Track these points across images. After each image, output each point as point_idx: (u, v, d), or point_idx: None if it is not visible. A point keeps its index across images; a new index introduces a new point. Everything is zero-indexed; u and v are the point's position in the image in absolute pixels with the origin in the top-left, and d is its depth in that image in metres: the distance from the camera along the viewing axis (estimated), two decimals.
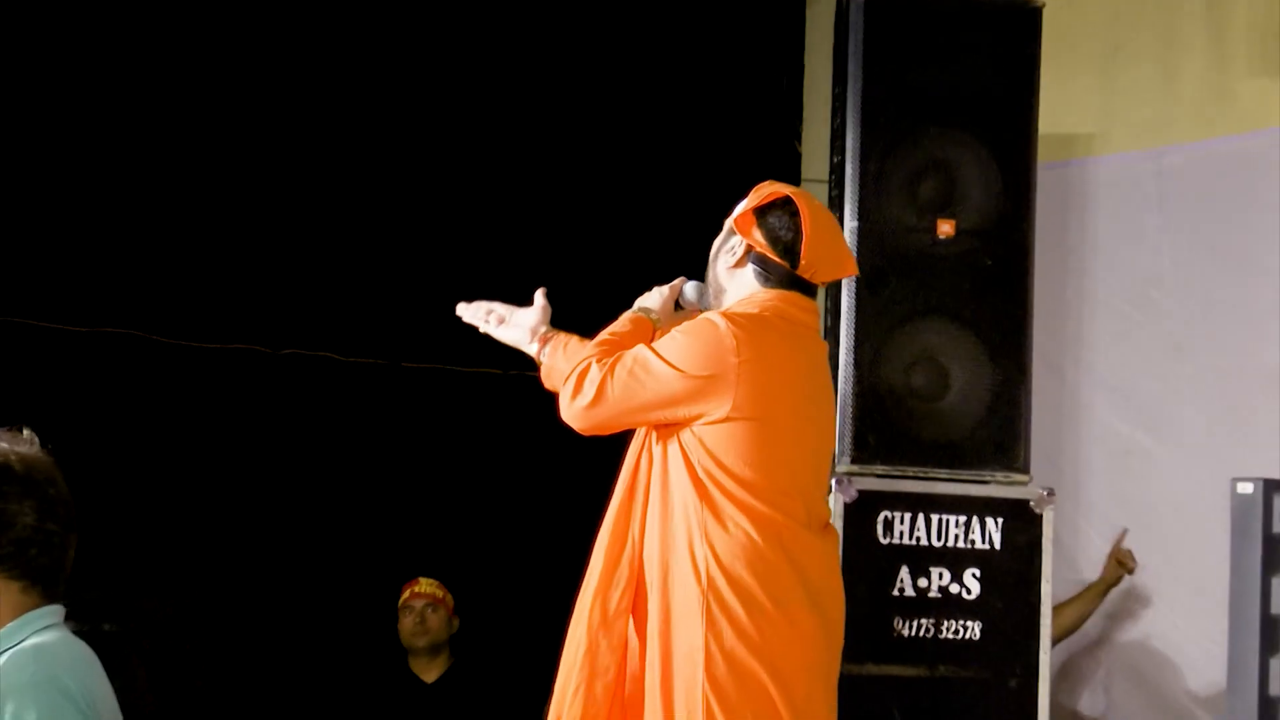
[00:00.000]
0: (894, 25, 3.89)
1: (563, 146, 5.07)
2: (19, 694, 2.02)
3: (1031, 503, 3.61)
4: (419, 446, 4.88)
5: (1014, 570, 3.57)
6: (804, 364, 2.76)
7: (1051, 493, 3.64)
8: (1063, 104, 4.43)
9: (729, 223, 2.79)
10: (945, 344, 3.70)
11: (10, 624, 2.06)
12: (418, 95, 4.83)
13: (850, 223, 3.69)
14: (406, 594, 4.61)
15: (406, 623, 4.57)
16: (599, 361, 2.61)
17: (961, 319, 3.73)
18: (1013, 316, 3.77)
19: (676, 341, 2.63)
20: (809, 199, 2.76)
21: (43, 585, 2.09)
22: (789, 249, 2.68)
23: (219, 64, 4.53)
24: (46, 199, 4.44)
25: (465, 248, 4.96)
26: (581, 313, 3.31)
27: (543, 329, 2.83)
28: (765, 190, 2.76)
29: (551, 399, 2.71)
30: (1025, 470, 3.67)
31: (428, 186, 4.95)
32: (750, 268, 2.70)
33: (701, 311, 2.81)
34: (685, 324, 2.72)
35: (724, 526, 2.53)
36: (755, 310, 2.67)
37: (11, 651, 2.04)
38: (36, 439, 2.15)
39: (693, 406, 2.56)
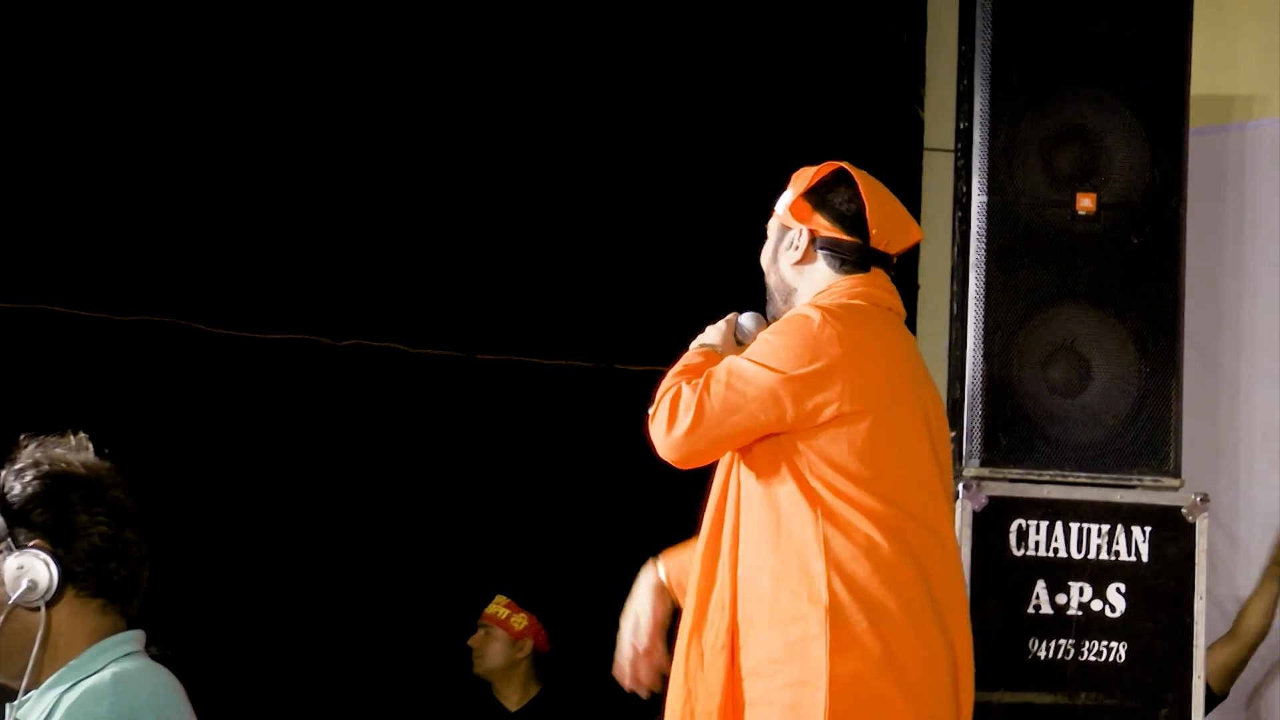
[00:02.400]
0: (1026, 13, 3.68)
1: (671, 117, 5.05)
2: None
3: (1184, 510, 3.41)
4: (504, 443, 4.83)
5: (1164, 585, 3.36)
6: (907, 351, 2.67)
7: (1206, 499, 3.43)
8: (1219, 61, 4.21)
9: (776, 223, 2.72)
10: (1086, 333, 3.50)
11: (88, 650, 1.94)
12: (491, 78, 4.82)
13: (979, 197, 3.55)
14: (498, 618, 4.56)
15: (494, 654, 4.55)
16: (688, 383, 2.53)
17: (1105, 304, 3.53)
18: (1163, 301, 3.57)
19: (770, 343, 2.55)
20: (855, 168, 2.67)
21: (121, 604, 1.97)
22: (856, 222, 2.61)
23: (278, 51, 4.59)
24: (115, 190, 4.48)
25: (549, 235, 4.96)
26: (704, 291, 3.23)
27: (695, 345, 2.78)
28: (807, 173, 2.69)
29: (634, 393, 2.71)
30: (1176, 474, 3.46)
31: (504, 173, 4.93)
32: (820, 257, 2.62)
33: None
34: (775, 324, 2.66)
35: (845, 534, 2.42)
36: (845, 299, 2.58)
37: (88, 681, 1.91)
38: (90, 444, 2.01)
39: (801, 409, 2.45)
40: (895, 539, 2.44)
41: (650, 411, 2.64)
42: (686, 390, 2.52)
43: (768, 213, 2.70)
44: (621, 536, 4.71)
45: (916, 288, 4.68)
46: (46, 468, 1.96)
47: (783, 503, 2.50)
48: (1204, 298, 3.97)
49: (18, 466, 1.95)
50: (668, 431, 2.53)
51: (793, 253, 2.65)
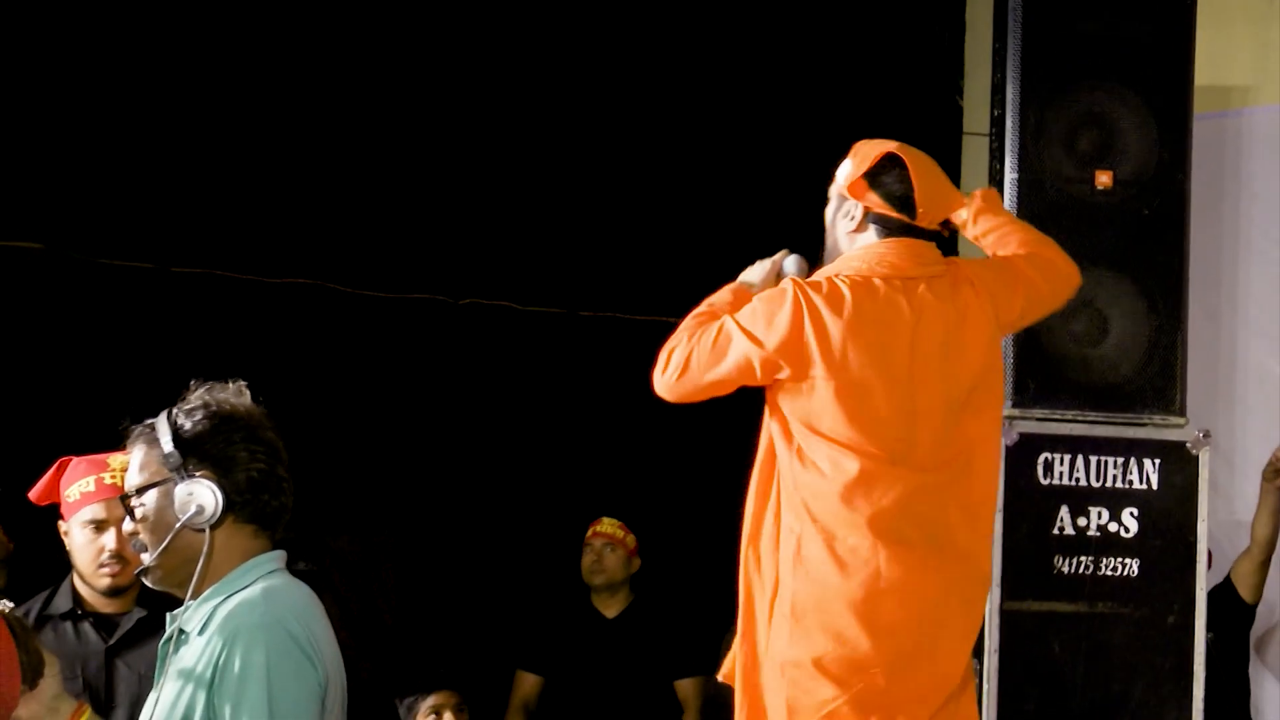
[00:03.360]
0: (1061, 11, 3.98)
1: (726, 102, 5.23)
2: (248, 635, 2.13)
3: (1188, 444, 3.73)
4: (600, 392, 5.12)
5: (1171, 510, 3.71)
6: (893, 318, 2.81)
7: (1207, 434, 3.76)
8: (1219, 55, 4.52)
9: (837, 190, 2.90)
10: (1104, 292, 3.80)
11: (240, 567, 2.18)
12: (586, 51, 5.04)
13: (1010, 174, 3.85)
14: (590, 533, 4.87)
15: (586, 560, 4.84)
16: (689, 337, 2.77)
17: (1119, 267, 3.85)
18: (1169, 265, 3.90)
19: (754, 310, 2.76)
20: (909, 149, 2.85)
21: (270, 530, 2.22)
22: (905, 202, 2.79)
23: (390, 24, 4.77)
24: (233, 153, 4.71)
25: (642, 198, 5.20)
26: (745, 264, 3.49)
27: (737, 282, 2.97)
28: (866, 151, 2.86)
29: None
30: (1182, 413, 3.78)
31: (599, 138, 5.15)
32: (871, 229, 2.82)
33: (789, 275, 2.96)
34: (763, 293, 2.85)
35: (807, 470, 2.69)
36: (845, 270, 2.80)
37: (242, 594, 2.16)
38: (246, 389, 2.28)
39: (767, 372, 2.70)
40: (848, 475, 2.67)
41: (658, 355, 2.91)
42: (684, 343, 2.78)
43: (825, 184, 3.06)
44: (702, 474, 5.15)
45: (956, 254, 4.89)
46: (214, 408, 2.19)
47: (778, 440, 2.78)
48: (1206, 260, 4.26)
49: (188, 406, 2.17)
50: (660, 375, 2.79)
51: (848, 222, 2.84)
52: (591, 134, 5.15)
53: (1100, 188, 3.88)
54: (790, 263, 2.98)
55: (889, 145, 2.84)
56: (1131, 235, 3.89)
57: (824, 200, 3.12)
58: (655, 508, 5.05)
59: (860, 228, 2.83)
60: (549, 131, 5.10)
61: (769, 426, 2.84)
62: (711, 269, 4.29)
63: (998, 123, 4.00)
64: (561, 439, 5.18)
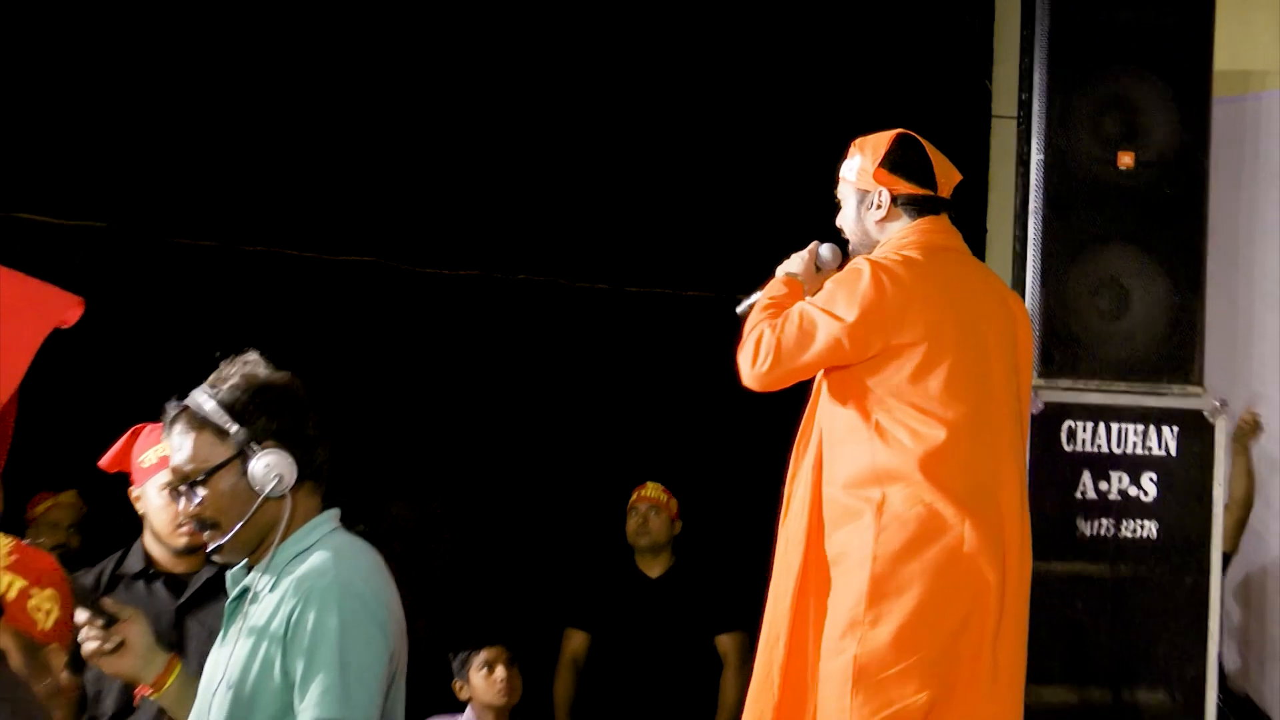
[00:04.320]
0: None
1: (767, 86, 5.39)
2: (322, 596, 2.22)
3: (1205, 413, 3.84)
4: (644, 364, 5.34)
5: (1189, 475, 3.83)
6: (960, 283, 2.95)
7: (1224, 404, 3.88)
8: (1239, 41, 4.58)
9: (849, 189, 3.02)
10: (1126, 267, 3.93)
11: (303, 527, 2.28)
12: (638, 32, 5.20)
13: (1036, 155, 3.98)
14: (634, 497, 5.03)
15: (632, 523, 4.99)
16: (771, 329, 2.86)
17: (1141, 244, 3.97)
18: (1189, 243, 4.02)
19: (832, 292, 2.86)
20: (908, 130, 3.03)
21: (323, 486, 2.34)
22: (926, 175, 2.94)
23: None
24: (291, 134, 4.86)
25: (684, 179, 5.36)
26: (788, 243, 3.63)
27: (781, 272, 3.10)
28: (873, 142, 3.00)
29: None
30: (1200, 383, 3.90)
31: (648, 118, 5.31)
32: (901, 212, 2.94)
33: (833, 271, 3.07)
34: (836, 275, 2.96)
35: (889, 445, 2.79)
36: (901, 249, 2.90)
37: (310, 555, 2.26)
38: (268, 361, 2.37)
39: (857, 349, 2.79)
40: (931, 444, 2.77)
41: (739, 345, 2.98)
42: (768, 334, 2.86)
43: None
44: (733, 442, 5.41)
45: (984, 232, 5.12)
46: (254, 381, 2.28)
47: (848, 421, 2.86)
48: (1224, 239, 4.39)
49: (229, 383, 2.26)
50: (751, 368, 2.87)
51: (875, 211, 2.95)
52: (640, 113, 5.29)
53: (1123, 168, 3.97)
54: (825, 250, 3.12)
55: (891, 131, 2.99)
56: (1153, 214, 3.99)
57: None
58: (695, 473, 5.22)
59: (890, 214, 2.94)
60: (600, 110, 5.25)
61: (832, 411, 2.94)
62: (746, 248, 4.50)
63: (1025, 106, 4.14)
64: (607, 408, 5.34)
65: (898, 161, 2.98)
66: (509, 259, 5.23)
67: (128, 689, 2.87)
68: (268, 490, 2.25)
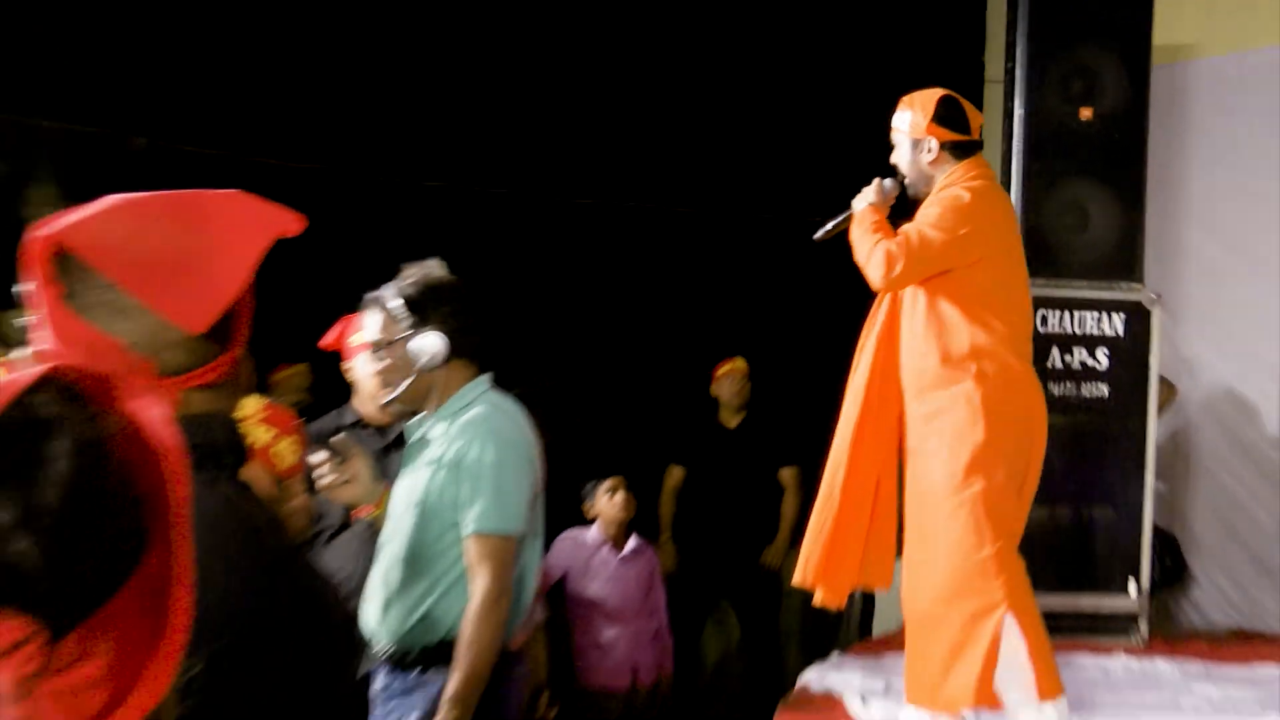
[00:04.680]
0: None
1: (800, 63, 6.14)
2: (484, 437, 2.67)
3: (1144, 303, 4.57)
4: (725, 274, 6.17)
5: (1133, 350, 4.54)
6: (1010, 208, 3.48)
7: (1159, 296, 4.62)
8: (1172, 20, 5.21)
9: (904, 137, 3.41)
10: (1087, 194, 4.65)
11: (463, 389, 2.73)
12: None
13: (1019, 111, 4.69)
14: (722, 369, 5.86)
15: (721, 387, 5.84)
16: (895, 243, 3.27)
17: (1099, 178, 4.68)
18: (1135, 175, 4.74)
19: (941, 214, 3.30)
20: (945, 89, 3.46)
21: (477, 360, 2.79)
22: (964, 125, 3.37)
23: None
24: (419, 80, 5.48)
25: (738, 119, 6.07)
26: (812, 190, 4.44)
27: (862, 203, 3.49)
28: (921, 100, 3.42)
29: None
30: (1141, 281, 4.64)
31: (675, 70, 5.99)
32: (948, 155, 3.36)
33: (893, 199, 3.51)
34: (940, 198, 3.35)
35: (984, 330, 3.27)
36: (967, 183, 3.32)
37: (471, 408, 2.69)
38: (444, 265, 2.81)
39: (961, 257, 3.24)
40: (1011, 332, 3.29)
41: (863, 258, 3.37)
42: (893, 248, 3.25)
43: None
44: (804, 325, 6.14)
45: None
46: (428, 280, 2.71)
47: (947, 313, 3.29)
48: (1161, 173, 5.11)
49: (409, 281, 2.68)
50: (885, 274, 3.26)
51: (927, 155, 3.35)
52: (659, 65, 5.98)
53: (1084, 120, 4.69)
54: (888, 183, 3.51)
55: (936, 91, 3.44)
56: (1107, 155, 4.73)
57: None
58: (761, 352, 6.07)
59: (940, 158, 3.36)
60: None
61: (931, 305, 3.33)
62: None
63: (1010, 73, 4.85)
64: (698, 305, 6.17)
65: (943, 116, 3.40)
66: (622, 188, 5.96)
67: (346, 510, 3.33)
68: (423, 361, 2.68)
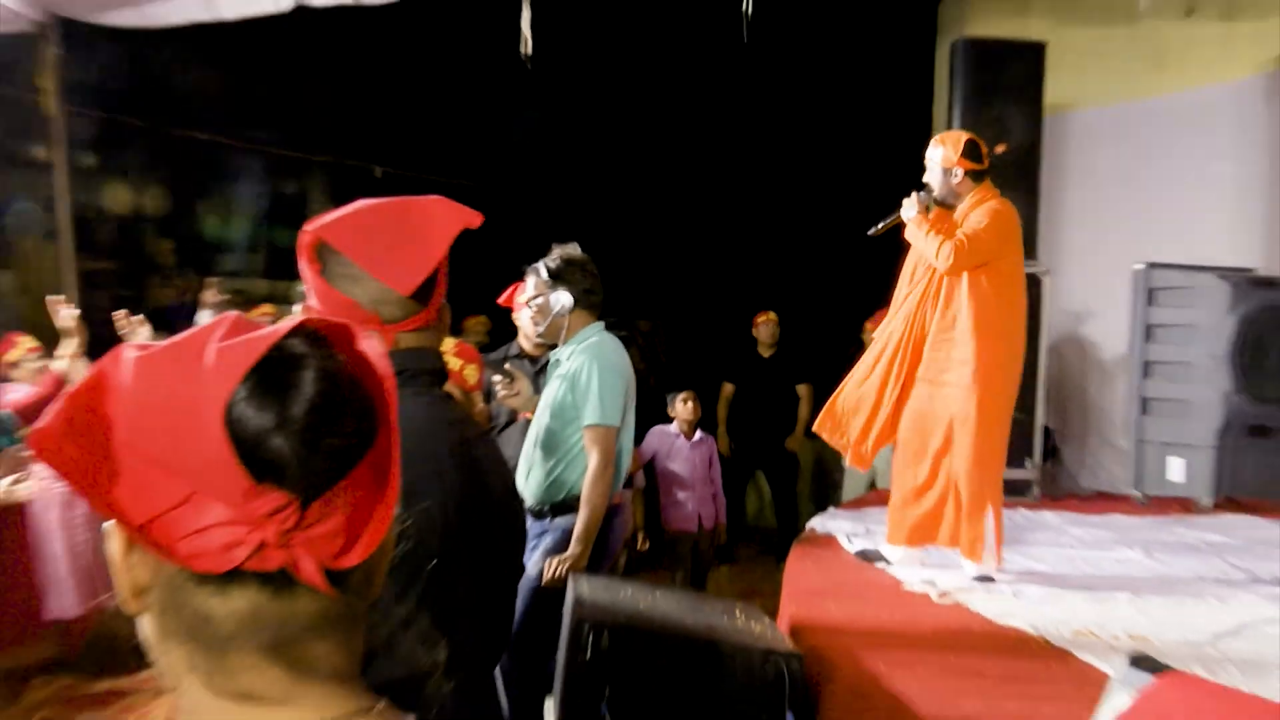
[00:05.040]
0: (978, 55, 6.31)
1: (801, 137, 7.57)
2: (591, 361, 3.36)
3: (1039, 274, 5.86)
4: (767, 261, 7.70)
5: (1031, 306, 4.80)
6: (1018, 222, 3.95)
7: (1048, 271, 6.06)
8: (1056, 83, 6.60)
9: (943, 164, 4.00)
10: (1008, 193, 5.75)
11: (584, 330, 3.40)
12: None
13: None
14: (764, 317, 7.38)
15: (760, 331, 7.39)
16: (955, 242, 3.79)
17: (1009, 189, 5.09)
18: (1032, 188, 6.23)
19: (983, 223, 3.85)
20: (971, 135, 4.01)
21: (595, 311, 3.42)
22: (980, 157, 4.00)
23: None
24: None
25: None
26: (823, 203, 5.85)
27: (913, 210, 4.01)
28: (952, 140, 4.00)
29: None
30: (1036, 258, 5.91)
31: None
32: (967, 179, 3.98)
33: (928, 209, 3.99)
34: (982, 211, 3.91)
35: (1003, 310, 3.86)
36: (989, 199, 3.93)
37: (587, 342, 3.38)
38: (577, 246, 3.46)
39: (996, 254, 3.86)
40: (1021, 310, 3.90)
41: (931, 251, 3.85)
42: (950, 244, 3.78)
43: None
44: (808, 294, 7.60)
45: None
46: (565, 257, 3.44)
47: (976, 298, 3.83)
48: (1050, 185, 6.45)
49: (552, 257, 3.47)
50: (949, 262, 3.79)
51: (954, 178, 3.97)
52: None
53: (999, 152, 5.28)
54: (923, 195, 4.02)
55: (962, 134, 4.09)
56: (1015, 175, 5.95)
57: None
58: (786, 306, 7.52)
59: (962, 182, 4.00)
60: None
61: (967, 290, 3.86)
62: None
63: (949, 120, 6.27)
64: (745, 277, 7.61)
65: (967, 152, 4.01)
66: (698, 196, 7.42)
67: (511, 413, 4.18)
68: (556, 310, 3.36)
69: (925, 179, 4.07)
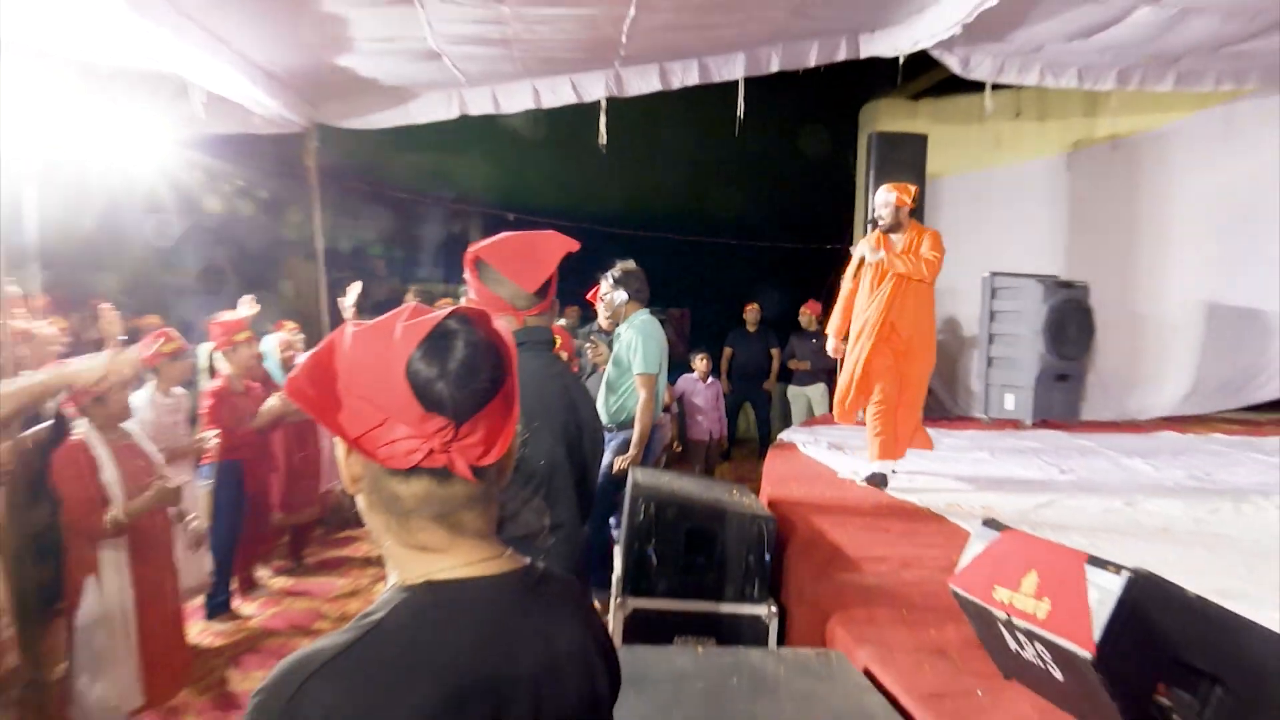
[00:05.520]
0: (884, 142, 9.11)
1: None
2: (637, 332, 5.18)
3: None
4: (753, 271, 11.36)
5: None
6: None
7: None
8: (935, 156, 9.20)
9: (891, 205, 5.41)
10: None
11: (636, 313, 5.20)
12: None
13: (872, 200, 8.64)
14: (751, 306, 10.45)
15: (748, 314, 10.43)
16: (923, 261, 5.15)
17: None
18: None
19: (934, 244, 5.26)
20: (914, 186, 5.42)
21: (644, 302, 5.23)
22: (916, 200, 5.75)
23: None
24: None
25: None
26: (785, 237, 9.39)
27: (870, 242, 5.33)
28: (899, 188, 5.40)
29: None
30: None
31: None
32: (908, 215, 5.44)
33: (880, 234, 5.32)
34: (930, 238, 5.29)
35: (931, 304, 5.35)
36: (925, 227, 5.37)
37: (637, 320, 5.21)
38: (633, 261, 5.33)
39: (940, 266, 5.28)
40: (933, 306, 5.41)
41: (910, 270, 5.20)
42: (920, 264, 5.18)
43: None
44: (779, 293, 10.92)
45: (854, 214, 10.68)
46: (624, 269, 5.36)
47: (921, 297, 5.34)
48: (930, 222, 8.92)
49: (617, 268, 5.38)
50: (928, 275, 5.19)
51: (902, 212, 5.42)
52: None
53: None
54: (871, 227, 5.40)
55: (908, 185, 5.53)
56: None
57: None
58: (766, 298, 10.73)
59: (905, 215, 5.46)
60: None
61: (919, 291, 5.20)
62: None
63: (868, 185, 9.06)
64: (738, 281, 10.81)
65: (911, 196, 5.51)
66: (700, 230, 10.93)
67: (594, 366, 6.01)
68: (616, 304, 5.09)
69: (876, 214, 5.63)
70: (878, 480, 5.64)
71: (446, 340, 1.13)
